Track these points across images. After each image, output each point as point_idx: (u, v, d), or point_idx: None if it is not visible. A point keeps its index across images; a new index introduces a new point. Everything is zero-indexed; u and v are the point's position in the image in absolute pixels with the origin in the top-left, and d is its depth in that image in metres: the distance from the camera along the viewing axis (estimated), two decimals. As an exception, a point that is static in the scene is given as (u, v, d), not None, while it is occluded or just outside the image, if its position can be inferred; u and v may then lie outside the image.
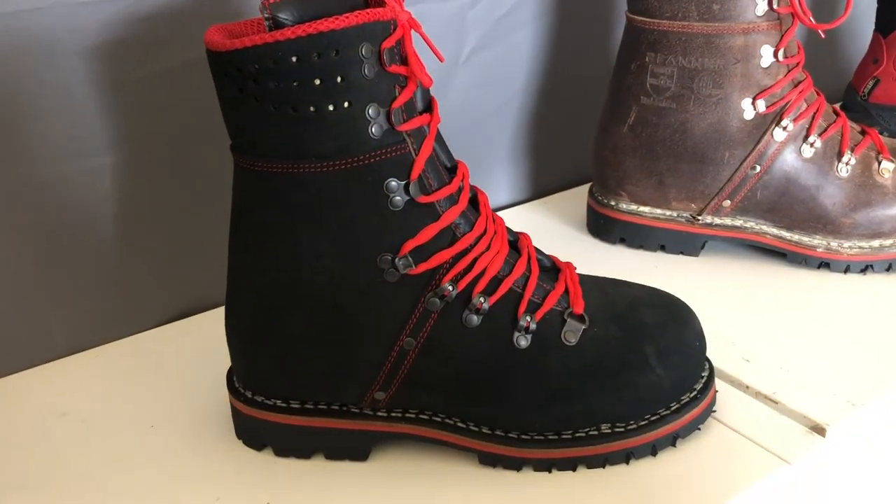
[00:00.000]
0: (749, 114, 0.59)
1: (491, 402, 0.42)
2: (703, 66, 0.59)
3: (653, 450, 0.43)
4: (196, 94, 0.52)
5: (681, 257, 0.64)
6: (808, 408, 0.47)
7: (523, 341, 0.42)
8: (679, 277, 0.61)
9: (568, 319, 0.42)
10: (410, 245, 0.40)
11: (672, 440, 0.44)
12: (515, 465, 0.43)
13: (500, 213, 0.73)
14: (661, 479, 0.43)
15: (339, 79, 0.36)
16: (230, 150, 0.40)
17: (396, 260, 0.40)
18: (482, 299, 0.41)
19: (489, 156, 0.72)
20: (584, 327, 0.42)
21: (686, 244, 0.64)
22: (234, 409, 0.46)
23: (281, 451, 0.45)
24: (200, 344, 0.54)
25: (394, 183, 0.39)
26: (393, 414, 0.43)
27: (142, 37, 0.51)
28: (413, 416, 0.43)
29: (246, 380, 0.45)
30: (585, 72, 0.74)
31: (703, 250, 0.64)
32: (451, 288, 0.40)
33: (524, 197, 0.76)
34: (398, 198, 0.39)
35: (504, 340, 0.41)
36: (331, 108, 0.37)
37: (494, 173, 0.73)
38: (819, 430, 0.46)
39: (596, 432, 0.42)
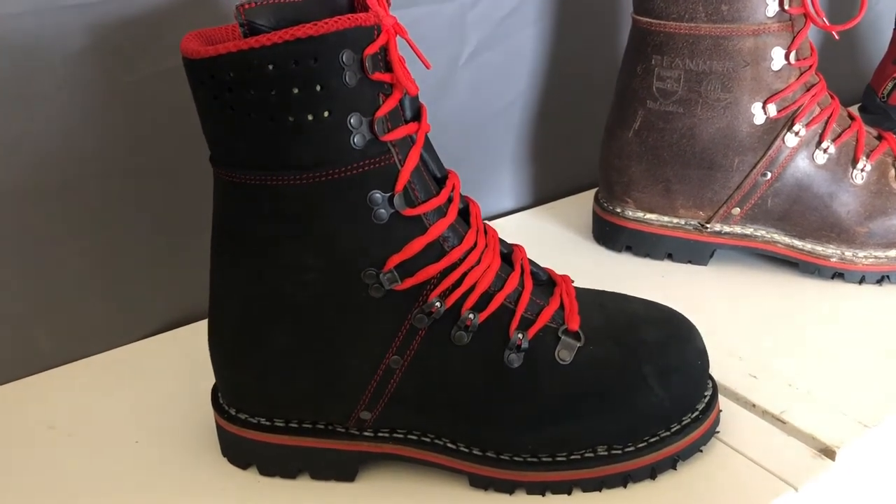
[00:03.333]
0: (759, 118, 0.57)
1: (482, 423, 0.41)
2: (712, 70, 0.57)
3: (652, 473, 0.41)
4: (187, 100, 0.51)
5: (689, 266, 0.62)
6: (817, 429, 0.45)
7: (515, 360, 0.40)
8: (686, 287, 0.59)
9: (562, 337, 0.41)
10: (396, 260, 0.38)
11: (672, 463, 0.42)
12: (508, 488, 0.41)
13: (502, 220, 0.71)
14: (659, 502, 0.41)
15: (318, 87, 0.35)
16: (209, 161, 0.39)
17: (381, 275, 0.38)
18: (472, 316, 0.39)
19: (491, 161, 0.70)
20: (579, 345, 0.40)
21: (694, 253, 0.62)
22: (218, 426, 0.44)
23: (266, 470, 0.43)
24: (189, 356, 0.53)
25: (378, 195, 0.37)
26: (380, 434, 0.42)
27: (130, 41, 0.50)
28: (401, 436, 0.42)
29: (229, 396, 0.43)
30: (590, 74, 0.72)
31: (712, 259, 0.62)
32: (438, 304, 0.39)
33: (528, 203, 0.74)
34: (382, 211, 0.37)
35: (495, 359, 0.40)
36: (310, 117, 0.35)
37: (497, 179, 0.71)
38: (829, 452, 0.44)
39: (592, 455, 0.41)
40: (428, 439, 0.42)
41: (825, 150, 0.57)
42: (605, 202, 0.64)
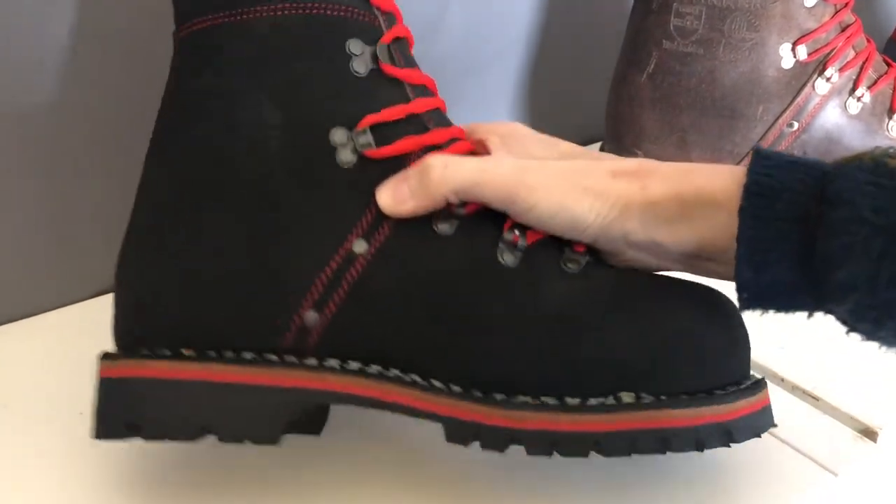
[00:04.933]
0: (788, 62, 0.51)
1: (466, 336, 0.31)
2: (737, 5, 0.51)
3: (698, 442, 0.31)
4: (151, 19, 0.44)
5: (702, 227, 0.57)
6: (855, 407, 0.40)
7: (509, 257, 0.32)
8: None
9: (567, 251, 0.33)
10: (371, 119, 0.31)
11: (725, 435, 0.31)
12: (499, 440, 0.31)
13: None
14: (681, 490, 0.35)
15: None
16: (173, 36, 0.33)
17: (354, 135, 0.31)
18: (459, 206, 0.32)
19: (486, 109, 0.64)
20: (588, 260, 0.33)
21: (709, 212, 0.56)
22: (101, 383, 0.32)
23: (155, 432, 0.31)
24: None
25: (357, 43, 0.31)
26: (327, 363, 0.32)
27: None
28: (356, 368, 0.31)
29: (132, 316, 0.33)
30: (598, 12, 0.66)
31: (728, 219, 0.57)
32: None
33: (525, 157, 0.68)
34: (361, 63, 0.31)
35: (485, 254, 0.32)
36: None
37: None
38: (870, 434, 0.39)
39: (614, 402, 0.31)
40: (392, 374, 0.32)
41: (859, 99, 0.52)
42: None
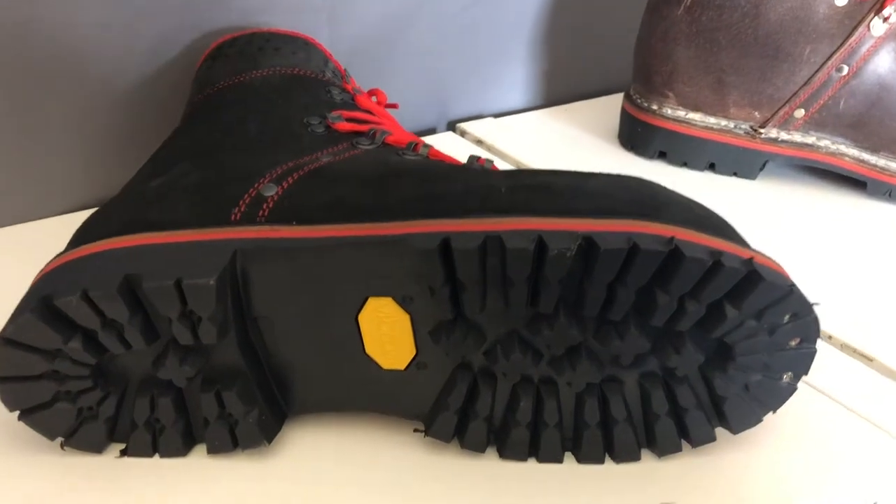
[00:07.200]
0: (842, -2, 0.47)
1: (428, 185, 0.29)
2: (789, -67, 0.46)
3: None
4: None
5: (733, 180, 0.52)
6: (913, 368, 0.36)
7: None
8: (729, 204, 0.49)
9: (470, 157, 0.35)
10: (345, 113, 0.36)
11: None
12: (475, 239, 0.26)
13: (508, 118, 0.60)
14: (727, 453, 0.31)
15: None
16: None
17: (330, 116, 0.35)
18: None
19: (501, 47, 0.59)
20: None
21: (742, 163, 0.52)
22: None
23: (72, 288, 0.27)
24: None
25: (335, 88, 0.39)
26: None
27: None
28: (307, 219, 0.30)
29: (86, 222, 0.31)
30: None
31: (763, 172, 0.52)
32: None
33: (539, 102, 0.63)
34: (338, 94, 0.39)
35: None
36: None
37: (506, 70, 0.60)
38: (931, 397, 0.34)
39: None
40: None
41: (917, 44, 0.47)
42: (638, 97, 0.54)
